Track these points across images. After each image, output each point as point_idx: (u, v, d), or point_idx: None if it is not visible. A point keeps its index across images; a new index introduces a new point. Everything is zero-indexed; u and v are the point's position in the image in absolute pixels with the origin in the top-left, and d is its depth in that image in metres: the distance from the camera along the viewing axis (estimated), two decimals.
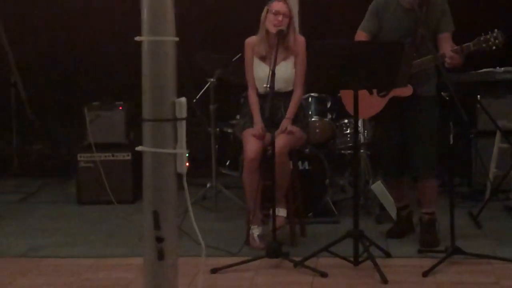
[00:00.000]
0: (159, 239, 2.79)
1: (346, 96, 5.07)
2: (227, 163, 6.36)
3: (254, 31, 5.27)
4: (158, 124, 2.80)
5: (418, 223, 5.20)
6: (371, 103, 5.01)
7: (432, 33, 4.91)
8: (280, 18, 5.08)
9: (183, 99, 2.81)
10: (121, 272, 4.64)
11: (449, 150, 4.66)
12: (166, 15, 2.74)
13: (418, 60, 4.84)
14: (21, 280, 4.53)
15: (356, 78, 4.48)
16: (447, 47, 4.81)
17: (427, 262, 4.56)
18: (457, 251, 4.53)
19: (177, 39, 2.76)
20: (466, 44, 4.73)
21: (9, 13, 7.58)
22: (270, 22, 5.10)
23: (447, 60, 4.74)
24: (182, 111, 2.80)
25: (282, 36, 5.05)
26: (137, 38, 2.74)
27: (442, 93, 4.86)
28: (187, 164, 2.88)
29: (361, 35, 5.03)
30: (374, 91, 4.99)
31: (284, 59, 5.15)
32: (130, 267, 4.68)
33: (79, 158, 6.53)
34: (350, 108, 4.88)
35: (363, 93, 4.83)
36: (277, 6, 5.12)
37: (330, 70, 4.50)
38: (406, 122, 5.00)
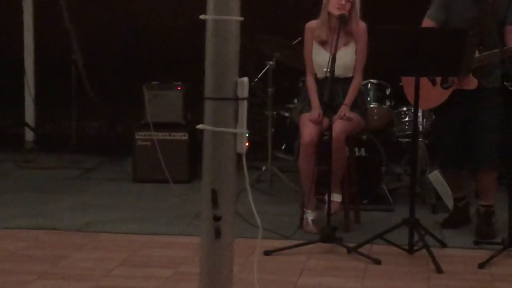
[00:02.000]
0: (217, 218, 2.79)
1: (408, 85, 5.00)
2: (283, 147, 6.36)
3: (315, 15, 5.24)
4: (219, 102, 2.79)
5: (475, 215, 5.13)
6: (434, 94, 4.94)
7: (500, 24, 4.82)
8: (343, 1, 5.03)
9: (246, 79, 2.80)
10: (175, 250, 4.69)
11: (510, 142, 4.58)
12: None
13: (484, 53, 4.75)
14: (77, 253, 4.61)
15: (418, 65, 4.43)
16: None
17: (483, 254, 4.50)
18: None
19: (241, 18, 2.76)
20: None
21: None
22: (333, 5, 5.06)
23: None
24: (244, 91, 2.80)
25: (344, 20, 5.01)
26: (202, 17, 2.74)
27: (505, 83, 4.78)
28: (247, 144, 2.88)
29: (427, 23, 4.96)
30: (437, 82, 4.92)
31: (345, 44, 5.11)
32: (185, 245, 4.73)
33: (136, 137, 6.60)
34: (411, 98, 4.81)
35: (425, 84, 4.77)
36: None
37: (392, 56, 4.46)
38: (469, 112, 4.91)
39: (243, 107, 2.82)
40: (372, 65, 4.67)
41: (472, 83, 4.79)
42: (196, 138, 6.47)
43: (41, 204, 5.79)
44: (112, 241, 4.88)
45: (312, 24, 5.24)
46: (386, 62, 4.52)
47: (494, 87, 4.89)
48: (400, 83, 5.27)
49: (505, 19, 4.83)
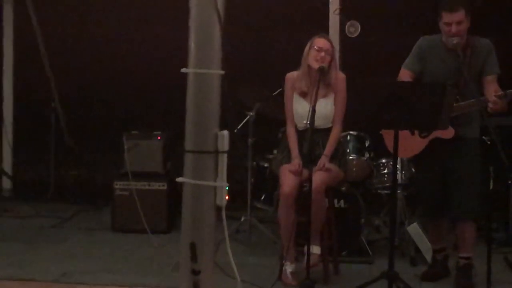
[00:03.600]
0: (196, 272, 2.78)
1: (388, 135, 5.04)
2: (262, 197, 6.34)
3: (295, 67, 5.28)
4: (199, 155, 2.80)
5: (454, 267, 5.12)
6: (413, 143, 4.98)
7: (477, 75, 4.89)
8: (322, 54, 5.09)
9: (226, 132, 2.82)
10: None
11: (488, 194, 4.60)
12: (213, 48, 2.77)
13: (461, 103, 4.81)
14: None
15: (397, 118, 4.45)
16: (491, 90, 4.77)
17: None
18: None
19: (222, 72, 2.78)
20: (510, 90, 4.68)
21: (52, 39, 7.69)
22: (313, 57, 5.11)
23: (490, 105, 4.69)
24: (224, 144, 2.81)
25: (323, 73, 5.06)
26: (183, 70, 2.76)
27: (483, 137, 4.82)
28: (227, 197, 2.88)
29: (404, 73, 5.02)
30: (416, 131, 4.96)
31: (324, 96, 5.15)
32: None
33: (115, 186, 6.57)
34: (391, 147, 4.84)
35: (404, 133, 4.80)
36: (320, 42, 5.13)
37: (371, 108, 4.48)
38: (448, 163, 4.95)
39: (223, 160, 2.83)
40: (351, 116, 4.69)
41: (448, 132, 4.83)
42: (175, 188, 6.44)
43: (18, 254, 5.71)
44: None
45: (292, 75, 5.28)
46: (365, 114, 4.54)
47: (473, 138, 4.95)
48: (380, 132, 5.30)
49: (482, 70, 4.89)
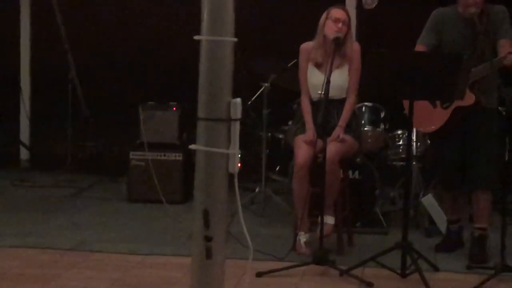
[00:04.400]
0: (208, 238, 2.79)
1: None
2: (277, 169, 6.36)
3: (310, 38, 5.27)
4: (212, 123, 2.80)
5: (468, 239, 5.13)
6: (436, 116, 4.95)
7: (493, 42, 4.85)
8: (340, 25, 5.07)
9: (239, 100, 2.82)
10: (168, 271, 4.68)
11: (504, 165, 4.59)
12: (226, 16, 2.76)
13: (476, 67, 4.77)
14: (70, 273, 4.59)
15: (413, 88, 4.45)
16: (505, 52, 4.72)
17: (475, 278, 4.49)
18: (506, 268, 4.46)
19: (235, 39, 2.78)
20: None
21: (69, 11, 7.71)
22: (330, 28, 5.09)
23: (504, 62, 4.64)
24: (237, 112, 2.81)
25: (338, 43, 5.04)
26: (196, 37, 2.76)
27: (499, 108, 4.79)
28: (239, 165, 2.89)
29: (419, 48, 4.99)
30: (437, 103, 4.94)
31: (339, 66, 5.14)
32: (178, 266, 4.72)
33: (131, 157, 6.61)
34: (416, 122, 4.82)
35: (426, 106, 4.79)
36: (337, 13, 5.11)
37: (387, 80, 4.48)
38: (467, 133, 4.93)
39: (236, 128, 2.83)
40: (367, 88, 4.68)
41: (469, 98, 4.79)
42: (190, 159, 6.48)
43: (34, 223, 5.78)
44: (105, 261, 4.86)
45: (307, 45, 5.26)
46: (380, 85, 4.54)
47: (491, 108, 4.92)
48: (404, 111, 5.27)
49: (496, 36, 4.86)
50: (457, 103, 4.84)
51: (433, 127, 5.05)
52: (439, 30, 4.96)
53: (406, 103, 5.15)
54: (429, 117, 4.90)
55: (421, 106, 4.82)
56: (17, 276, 4.51)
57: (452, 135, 4.97)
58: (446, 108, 4.93)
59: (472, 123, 4.91)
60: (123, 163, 6.75)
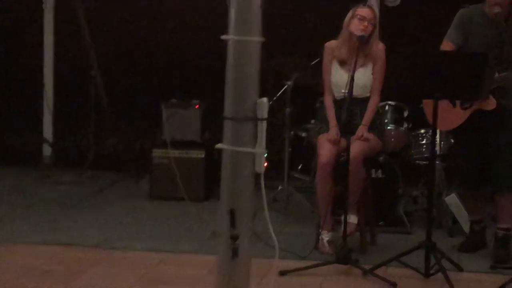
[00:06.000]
0: (234, 237, 2.80)
1: (428, 106, 5.01)
2: (299, 167, 6.35)
3: (334, 37, 5.26)
4: (239, 123, 2.81)
5: (492, 239, 5.10)
6: (454, 115, 4.93)
7: None
8: (365, 23, 5.06)
9: (265, 99, 2.82)
10: (192, 268, 4.70)
11: None
12: (253, 16, 2.76)
13: (502, 74, 4.75)
14: (94, 269, 4.63)
15: (438, 87, 4.43)
16: None
17: (499, 278, 4.48)
18: None
19: (263, 39, 2.78)
20: None
21: (92, 8, 7.73)
22: (355, 26, 5.08)
23: None
24: (263, 111, 2.81)
25: (363, 42, 5.03)
26: (223, 37, 2.76)
27: None
28: (265, 164, 2.89)
29: (446, 45, 4.96)
30: (457, 103, 4.92)
31: (363, 65, 5.12)
32: (201, 264, 4.73)
33: (153, 154, 6.62)
34: (431, 119, 4.81)
35: (445, 105, 4.77)
36: (363, 12, 5.10)
37: (411, 78, 4.46)
38: (489, 134, 4.90)
39: (262, 127, 2.83)
40: (391, 86, 4.67)
41: (491, 103, 4.78)
42: (212, 157, 6.48)
43: (58, 220, 5.81)
44: (128, 258, 4.89)
45: (331, 44, 5.26)
46: (405, 84, 4.52)
47: None
48: (420, 105, 5.26)
49: None
50: (478, 105, 4.82)
51: (450, 126, 5.03)
52: (465, 30, 4.93)
53: (425, 104, 5.15)
54: (448, 116, 4.87)
55: (440, 105, 4.79)
56: (43, 273, 4.54)
57: (472, 136, 4.95)
58: (465, 109, 4.90)
59: (493, 126, 4.88)
60: (145, 160, 6.76)
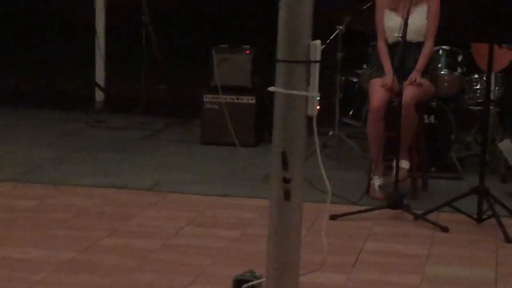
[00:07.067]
0: (287, 180, 2.81)
1: (478, 49, 4.92)
2: (351, 113, 6.32)
3: None
4: (291, 65, 2.79)
5: None
6: (500, 56, 4.84)
7: None
8: None
9: (318, 42, 2.79)
10: (243, 211, 4.74)
11: None
12: None
13: None
14: (147, 212, 4.71)
15: (493, 31, 4.34)
16: None
17: None
18: None
19: None
20: None
21: None
22: None
23: None
24: (316, 54, 2.78)
25: None
26: None
27: None
28: (318, 107, 2.88)
29: None
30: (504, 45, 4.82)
31: (416, 5, 5.00)
32: (252, 207, 4.77)
33: (205, 99, 6.64)
34: (480, 62, 4.73)
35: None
36: None
37: (466, 22, 4.37)
38: None
39: (315, 70, 2.81)
40: (445, 31, 4.58)
41: None
42: (263, 102, 6.48)
43: (111, 163, 5.90)
44: (181, 201, 4.95)
45: None
46: (459, 27, 4.44)
47: None
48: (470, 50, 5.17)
49: None
50: None
51: (496, 67, 4.94)
52: None
53: (474, 47, 5.05)
54: (494, 57, 4.78)
55: (484, 46, 4.69)
56: (99, 214, 4.64)
57: None
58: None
59: None
60: (196, 106, 6.79)
